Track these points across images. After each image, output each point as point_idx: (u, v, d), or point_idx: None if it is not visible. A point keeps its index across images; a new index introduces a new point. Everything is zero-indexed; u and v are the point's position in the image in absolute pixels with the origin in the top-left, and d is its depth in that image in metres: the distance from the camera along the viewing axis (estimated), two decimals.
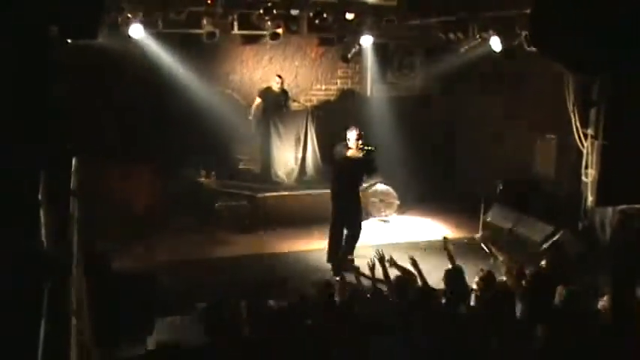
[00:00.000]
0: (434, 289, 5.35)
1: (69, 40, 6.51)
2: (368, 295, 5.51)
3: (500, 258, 5.87)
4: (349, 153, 7.61)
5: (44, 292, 1.49)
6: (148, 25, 8.67)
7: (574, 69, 4.82)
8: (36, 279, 1.59)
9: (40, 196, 2.32)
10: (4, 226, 2.03)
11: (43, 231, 2.16)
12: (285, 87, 10.54)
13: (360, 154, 7.62)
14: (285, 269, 7.88)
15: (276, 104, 10.32)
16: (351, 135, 7.65)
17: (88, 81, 9.02)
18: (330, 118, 10.89)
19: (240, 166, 10.63)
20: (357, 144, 7.60)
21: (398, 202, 10.22)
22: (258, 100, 10.25)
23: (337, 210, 7.88)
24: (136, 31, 8.55)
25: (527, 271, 5.83)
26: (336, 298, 5.39)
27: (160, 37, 9.13)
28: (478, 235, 8.89)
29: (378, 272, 5.64)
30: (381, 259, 5.65)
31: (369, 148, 7.66)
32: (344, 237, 7.93)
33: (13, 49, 2.33)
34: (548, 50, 3.40)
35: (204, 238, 8.96)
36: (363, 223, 9.85)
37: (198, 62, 9.99)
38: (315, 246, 8.60)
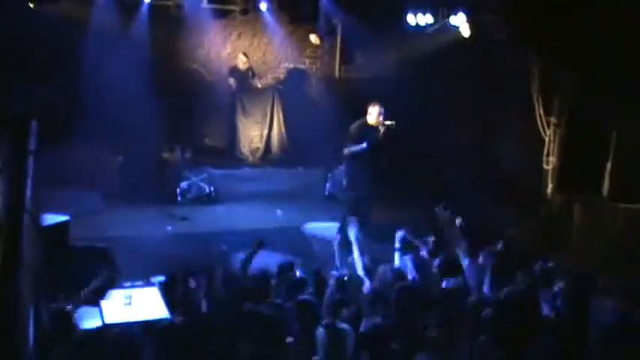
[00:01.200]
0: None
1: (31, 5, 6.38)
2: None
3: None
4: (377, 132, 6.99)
5: None
6: None
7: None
8: None
9: None
10: None
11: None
12: (253, 64, 10.43)
13: (381, 132, 6.99)
14: (245, 246, 7.83)
15: (242, 82, 10.21)
16: (374, 110, 7.12)
17: (49, 51, 8.79)
18: (296, 98, 10.88)
19: (205, 142, 10.51)
20: (379, 121, 7.05)
21: None
22: (232, 80, 10.10)
23: (355, 203, 7.13)
24: None
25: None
26: None
27: (127, 7, 8.92)
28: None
29: None
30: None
31: (391, 124, 7.09)
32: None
33: None
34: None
35: (164, 213, 8.85)
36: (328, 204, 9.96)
37: (165, 34, 9.78)
38: (278, 224, 8.57)
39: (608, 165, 7.71)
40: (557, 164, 7.81)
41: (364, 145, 7.06)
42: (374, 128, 7.13)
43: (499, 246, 6.13)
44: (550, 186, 7.94)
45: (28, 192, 1.76)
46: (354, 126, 7.24)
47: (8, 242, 1.42)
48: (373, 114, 7.13)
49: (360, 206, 7.16)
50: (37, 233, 1.92)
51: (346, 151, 7.22)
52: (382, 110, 7.13)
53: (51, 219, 5.58)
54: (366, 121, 7.18)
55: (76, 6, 8.20)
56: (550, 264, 5.71)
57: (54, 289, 4.04)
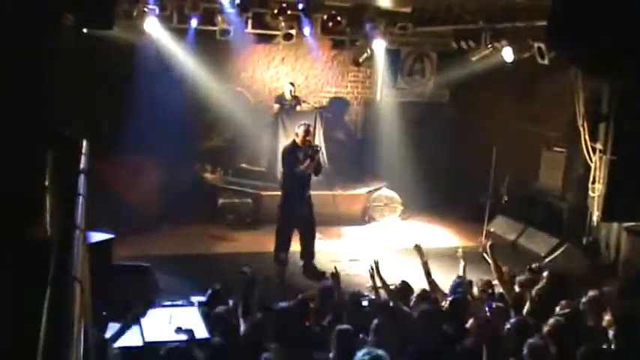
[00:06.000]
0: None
1: (85, 30, 6.60)
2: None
3: (499, 267, 5.82)
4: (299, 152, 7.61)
5: (49, 264, 1.50)
6: (163, 19, 8.70)
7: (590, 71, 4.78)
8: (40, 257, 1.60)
9: (47, 180, 2.31)
10: (7, 212, 2.03)
11: (47, 215, 2.16)
12: (296, 87, 10.56)
13: (308, 151, 7.62)
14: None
15: (288, 112, 10.35)
16: (299, 131, 7.67)
17: (99, 71, 9.09)
18: (337, 121, 10.99)
19: (242, 165, 10.54)
20: (304, 140, 7.61)
21: (401, 207, 10.22)
22: (276, 107, 10.25)
23: (288, 211, 7.74)
24: (151, 24, 8.58)
25: (517, 279, 5.84)
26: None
27: (174, 32, 9.16)
28: (483, 242, 8.76)
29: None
30: (377, 268, 5.63)
31: (314, 146, 7.80)
32: (301, 239, 7.85)
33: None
34: (566, 51, 3.37)
35: (205, 234, 8.96)
36: (367, 227, 9.96)
37: (211, 59, 10.00)
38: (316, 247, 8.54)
39: None
40: (603, 192, 7.64)
41: (296, 169, 7.58)
42: (303, 149, 7.63)
43: (544, 275, 6.00)
44: (596, 213, 7.76)
45: (79, 210, 1.82)
46: (285, 147, 7.89)
47: (60, 259, 1.48)
48: (300, 135, 7.65)
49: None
50: (86, 251, 1.98)
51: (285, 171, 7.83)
52: (309, 130, 7.70)
53: (96, 237, 5.70)
54: (294, 142, 7.72)
55: (126, 30, 8.45)
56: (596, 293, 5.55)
57: (97, 307, 4.11)
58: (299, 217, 7.73)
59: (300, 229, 7.81)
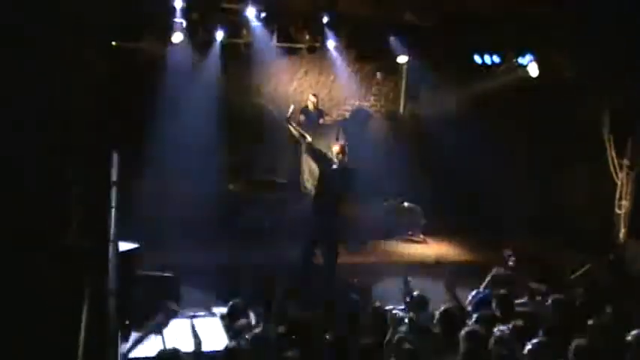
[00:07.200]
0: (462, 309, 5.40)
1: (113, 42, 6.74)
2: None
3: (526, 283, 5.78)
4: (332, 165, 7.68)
5: (85, 276, 1.53)
6: (189, 32, 8.82)
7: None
8: (74, 267, 1.63)
9: (74, 189, 2.36)
10: (37, 220, 2.07)
11: (74, 223, 2.20)
12: (319, 99, 10.61)
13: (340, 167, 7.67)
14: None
15: (311, 123, 10.40)
16: (334, 147, 7.82)
17: (123, 83, 9.22)
18: (360, 134, 11.01)
19: (265, 177, 10.56)
20: (337, 157, 7.69)
21: (424, 221, 10.16)
22: (302, 117, 10.32)
23: (312, 221, 7.81)
24: (177, 37, 8.71)
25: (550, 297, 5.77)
26: None
27: (200, 44, 9.26)
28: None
29: None
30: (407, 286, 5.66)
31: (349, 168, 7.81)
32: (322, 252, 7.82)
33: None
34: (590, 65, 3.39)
35: (228, 245, 9.00)
36: (389, 240, 9.95)
37: (235, 71, 10.10)
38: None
39: None
40: (630, 208, 7.55)
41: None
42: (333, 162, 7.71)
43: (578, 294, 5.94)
44: (622, 230, 7.66)
45: (111, 222, 1.85)
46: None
47: (95, 270, 1.50)
48: (334, 151, 7.82)
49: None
50: (117, 261, 2.01)
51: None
52: (342, 147, 7.78)
53: (122, 246, 5.75)
54: (329, 156, 7.85)
55: (154, 43, 8.60)
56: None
57: (123, 315, 4.15)
58: (321, 228, 7.74)
59: (321, 241, 7.81)
